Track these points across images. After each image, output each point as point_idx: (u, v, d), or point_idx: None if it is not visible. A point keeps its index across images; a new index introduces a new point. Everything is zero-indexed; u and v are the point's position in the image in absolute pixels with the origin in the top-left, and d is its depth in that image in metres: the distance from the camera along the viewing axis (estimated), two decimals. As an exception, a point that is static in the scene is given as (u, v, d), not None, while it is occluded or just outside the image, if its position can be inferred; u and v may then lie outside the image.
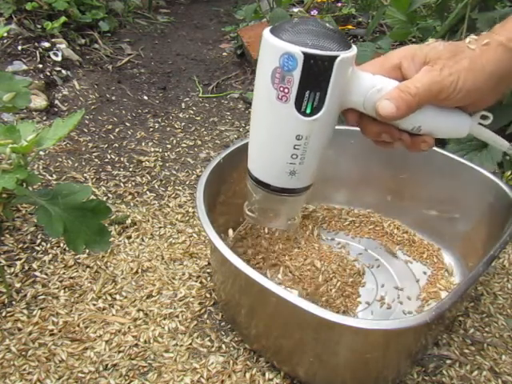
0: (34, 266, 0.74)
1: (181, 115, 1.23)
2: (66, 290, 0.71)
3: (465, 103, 0.43)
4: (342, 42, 0.38)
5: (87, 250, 0.75)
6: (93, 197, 0.89)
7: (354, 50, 0.39)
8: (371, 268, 0.75)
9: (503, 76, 0.42)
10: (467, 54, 0.42)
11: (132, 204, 0.90)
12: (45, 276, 0.73)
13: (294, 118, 0.39)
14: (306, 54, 0.36)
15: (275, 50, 0.37)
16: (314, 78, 0.37)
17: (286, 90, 0.38)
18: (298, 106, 0.39)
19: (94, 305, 0.69)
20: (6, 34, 1.25)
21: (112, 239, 0.81)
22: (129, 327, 0.66)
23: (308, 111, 0.39)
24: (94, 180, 0.95)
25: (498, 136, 0.46)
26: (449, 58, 0.41)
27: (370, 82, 0.41)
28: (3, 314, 0.67)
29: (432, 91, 0.40)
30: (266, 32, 0.39)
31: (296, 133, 0.40)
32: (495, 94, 0.44)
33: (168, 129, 1.16)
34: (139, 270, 0.75)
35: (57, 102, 1.18)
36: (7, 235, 0.78)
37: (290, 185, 0.44)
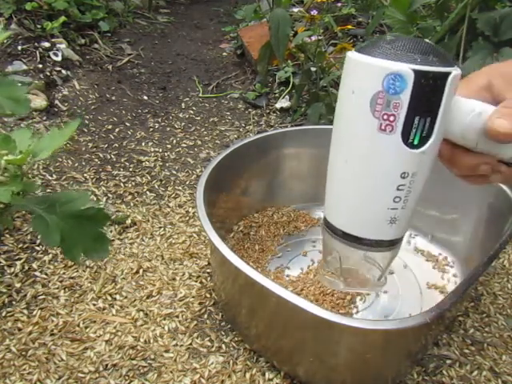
0: (34, 266, 0.74)
1: (181, 115, 1.23)
2: (66, 289, 0.71)
3: None
4: (449, 58, 0.33)
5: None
6: (93, 197, 0.89)
7: (458, 68, 0.33)
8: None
9: None
10: None
11: (132, 204, 0.90)
12: (45, 276, 0.73)
13: (399, 151, 0.33)
14: (416, 72, 0.31)
15: (377, 72, 0.32)
16: (426, 100, 0.32)
17: (392, 118, 0.32)
18: (405, 136, 0.33)
19: (94, 305, 0.69)
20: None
21: (112, 239, 0.81)
22: (129, 327, 0.66)
23: (416, 142, 0.33)
24: (93, 180, 0.95)
25: None
26: None
27: (469, 106, 0.35)
28: (3, 314, 0.67)
29: None
30: (354, 54, 0.33)
31: (402, 170, 0.34)
32: None
33: (168, 129, 1.16)
34: (139, 270, 0.75)
35: (57, 102, 1.18)
36: (7, 235, 0.78)
37: (388, 235, 0.37)
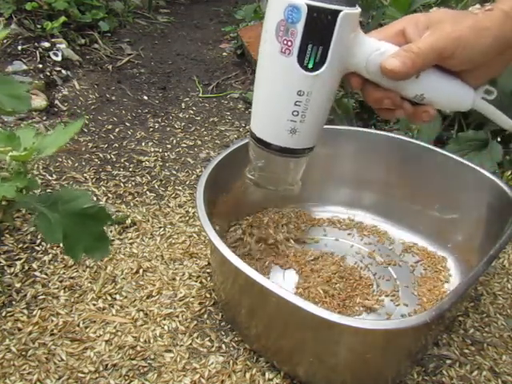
0: (34, 266, 0.74)
1: (181, 115, 1.23)
2: (66, 289, 0.71)
3: (470, 65, 0.43)
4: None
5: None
6: (93, 197, 0.89)
7: (358, 8, 0.40)
8: (371, 269, 0.75)
9: (507, 43, 0.42)
10: (471, 16, 0.42)
11: (132, 204, 0.90)
12: (45, 276, 0.73)
13: (296, 72, 0.40)
14: (309, 6, 0.38)
15: (280, 3, 0.39)
16: (317, 31, 0.39)
17: (290, 43, 0.39)
18: (301, 59, 0.40)
19: (94, 305, 0.69)
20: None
21: (112, 239, 0.81)
22: (129, 327, 0.66)
23: (310, 66, 0.40)
24: (93, 180, 0.95)
25: (503, 114, 0.46)
26: (452, 19, 0.42)
27: (374, 45, 0.42)
28: (3, 314, 0.67)
29: (436, 49, 0.41)
30: None
31: (298, 88, 0.41)
32: (500, 61, 0.43)
33: (168, 129, 1.16)
34: (139, 270, 0.75)
35: (57, 102, 1.18)
36: (7, 235, 0.78)
37: (291, 144, 0.44)
